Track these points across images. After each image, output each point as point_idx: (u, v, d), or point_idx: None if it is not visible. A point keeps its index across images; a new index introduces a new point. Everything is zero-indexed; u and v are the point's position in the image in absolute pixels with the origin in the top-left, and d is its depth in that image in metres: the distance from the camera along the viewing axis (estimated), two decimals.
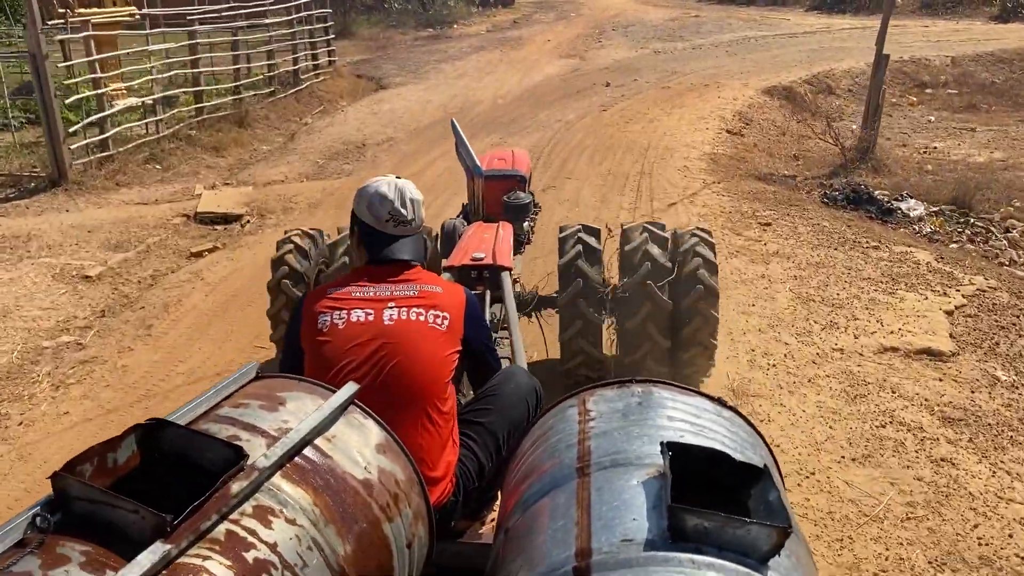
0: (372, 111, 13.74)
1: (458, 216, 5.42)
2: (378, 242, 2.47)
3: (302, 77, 14.91)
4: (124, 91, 11.29)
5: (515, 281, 4.43)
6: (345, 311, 2.34)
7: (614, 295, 4.22)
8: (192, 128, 11.51)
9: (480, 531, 2.48)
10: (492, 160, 5.51)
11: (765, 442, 1.83)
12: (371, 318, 2.32)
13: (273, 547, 1.41)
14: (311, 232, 4.74)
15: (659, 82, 15.39)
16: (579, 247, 4.20)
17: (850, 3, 26.19)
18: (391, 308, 2.34)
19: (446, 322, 2.37)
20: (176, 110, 11.55)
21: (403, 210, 2.47)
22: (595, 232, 4.34)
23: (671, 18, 25.94)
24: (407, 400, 2.28)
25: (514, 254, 4.82)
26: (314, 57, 15.89)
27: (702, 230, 4.35)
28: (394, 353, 2.28)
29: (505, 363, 3.39)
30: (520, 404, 2.53)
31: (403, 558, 1.74)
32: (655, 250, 4.13)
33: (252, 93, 13.54)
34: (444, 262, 4.07)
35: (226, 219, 8.28)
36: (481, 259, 3.95)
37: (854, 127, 11.23)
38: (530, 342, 4.70)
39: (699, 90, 14.43)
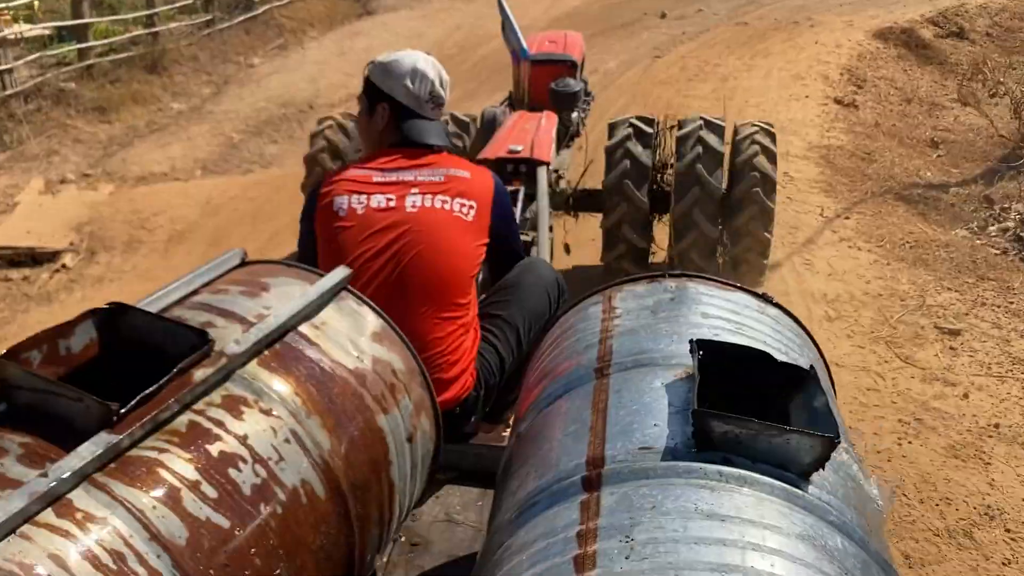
0: (341, 49, 10.28)
1: (502, 104, 5.11)
2: (413, 124, 2.27)
3: None
4: (7, 15, 8.36)
5: (559, 176, 4.19)
6: (366, 195, 2.16)
7: (663, 181, 4.00)
8: (71, 78, 7.99)
9: (503, 433, 2.35)
10: (542, 43, 5.12)
11: (815, 344, 1.62)
12: (392, 204, 2.14)
13: (243, 439, 1.26)
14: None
15: (732, 14, 11.48)
16: (630, 130, 3.95)
17: None
18: (414, 194, 2.16)
19: (472, 211, 2.19)
20: (41, 53, 8.18)
21: (442, 90, 2.29)
22: (649, 121, 4.10)
23: None
24: (427, 293, 2.12)
25: (561, 147, 4.55)
26: None
27: (763, 123, 4.11)
28: (415, 242, 2.12)
29: None
30: (541, 296, 2.36)
31: (402, 452, 1.58)
32: (710, 137, 3.89)
33: (176, 25, 9.88)
34: (479, 154, 3.82)
35: (34, 258, 5.16)
36: (518, 152, 3.68)
37: (1004, 91, 7.42)
38: (575, 244, 4.42)
39: (787, 30, 10.50)
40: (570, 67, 4.87)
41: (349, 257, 2.10)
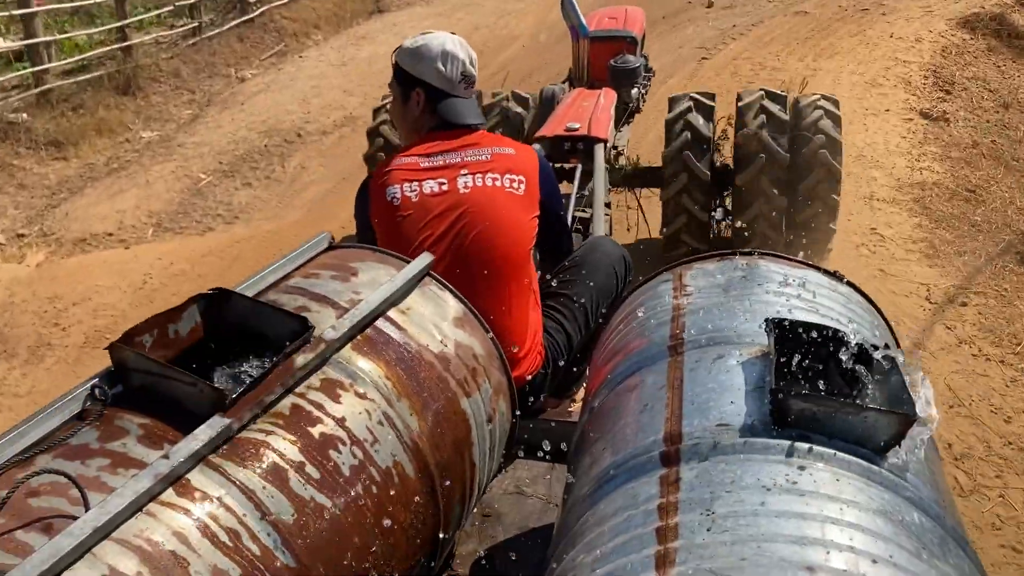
0: (342, 59, 8.90)
1: (562, 82, 5.12)
2: (449, 106, 2.30)
3: None
4: None
5: (619, 153, 4.20)
6: (417, 183, 2.21)
7: (724, 155, 4.00)
8: (23, 107, 6.61)
9: (570, 408, 2.40)
10: (601, 19, 5.12)
11: (887, 323, 1.63)
12: (445, 187, 2.19)
13: (341, 421, 1.34)
14: None
15: (789, 1, 9.91)
16: (690, 103, 3.96)
17: None
18: (465, 175, 2.21)
19: (523, 186, 2.23)
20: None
21: (472, 69, 2.32)
22: (709, 95, 4.10)
23: None
24: (491, 272, 2.17)
25: (623, 124, 4.57)
26: None
27: (825, 96, 4.05)
28: (474, 223, 2.17)
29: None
30: (608, 273, 2.39)
31: (483, 433, 1.66)
32: (772, 106, 3.87)
33: (155, 35, 8.34)
34: (538, 131, 3.86)
35: None
36: (575, 130, 3.70)
37: None
38: (636, 222, 4.41)
39: (856, 20, 9.07)
40: (630, 43, 4.84)
41: (412, 244, 2.15)
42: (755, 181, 3.83)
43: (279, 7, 9.80)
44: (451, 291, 1.67)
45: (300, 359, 1.33)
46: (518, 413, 1.81)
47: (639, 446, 1.23)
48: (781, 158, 3.78)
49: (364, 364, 1.44)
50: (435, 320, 1.60)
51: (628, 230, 4.55)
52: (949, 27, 8.49)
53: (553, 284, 2.43)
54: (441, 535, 1.54)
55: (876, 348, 1.28)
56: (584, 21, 4.83)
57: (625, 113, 4.63)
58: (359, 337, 1.46)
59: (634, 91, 4.67)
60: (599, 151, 3.61)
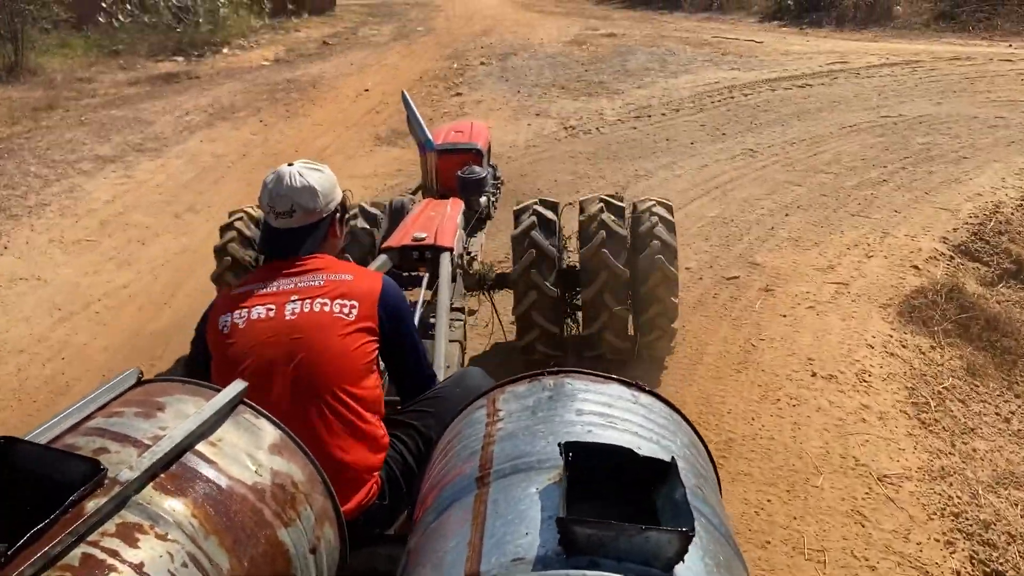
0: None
1: (411, 193, 5.24)
2: (273, 237, 2.36)
3: None
4: None
5: (473, 259, 4.30)
6: (246, 310, 2.20)
7: (569, 267, 4.14)
8: None
9: None
10: (448, 133, 5.35)
11: (691, 425, 1.72)
12: (272, 314, 2.19)
13: (139, 568, 1.29)
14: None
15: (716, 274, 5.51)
16: (534, 218, 4.07)
17: (827, 11, 17.02)
18: (294, 302, 2.21)
19: (355, 311, 2.22)
20: None
21: (278, 200, 2.34)
22: (552, 206, 4.21)
23: (573, 38, 15.47)
24: (318, 397, 2.13)
25: (476, 231, 4.73)
26: None
27: (660, 202, 4.24)
28: (299, 348, 2.14)
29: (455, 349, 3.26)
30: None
31: (305, 564, 1.63)
32: (611, 218, 4.02)
33: None
34: (384, 243, 3.91)
35: None
36: (422, 239, 3.79)
37: None
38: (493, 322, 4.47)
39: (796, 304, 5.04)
40: (475, 155, 5.07)
41: (237, 370, 2.11)
42: (598, 297, 3.98)
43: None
44: (267, 418, 1.66)
45: (91, 504, 1.28)
46: (347, 539, 1.78)
47: None
48: (620, 272, 3.94)
49: (167, 503, 1.40)
50: (249, 449, 1.58)
51: (486, 325, 4.62)
52: (891, 328, 4.77)
53: (404, 414, 2.40)
54: None
55: (662, 462, 1.35)
56: (430, 136, 5.02)
57: (476, 220, 4.78)
58: (162, 475, 1.43)
59: (483, 199, 4.84)
60: (445, 259, 3.68)
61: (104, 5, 14.82)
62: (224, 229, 4.37)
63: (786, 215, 6.54)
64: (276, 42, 16.11)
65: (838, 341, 4.66)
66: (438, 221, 4.00)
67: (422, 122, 5.02)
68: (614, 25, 17.47)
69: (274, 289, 2.24)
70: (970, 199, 6.70)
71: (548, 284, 3.96)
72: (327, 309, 2.20)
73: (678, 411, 1.69)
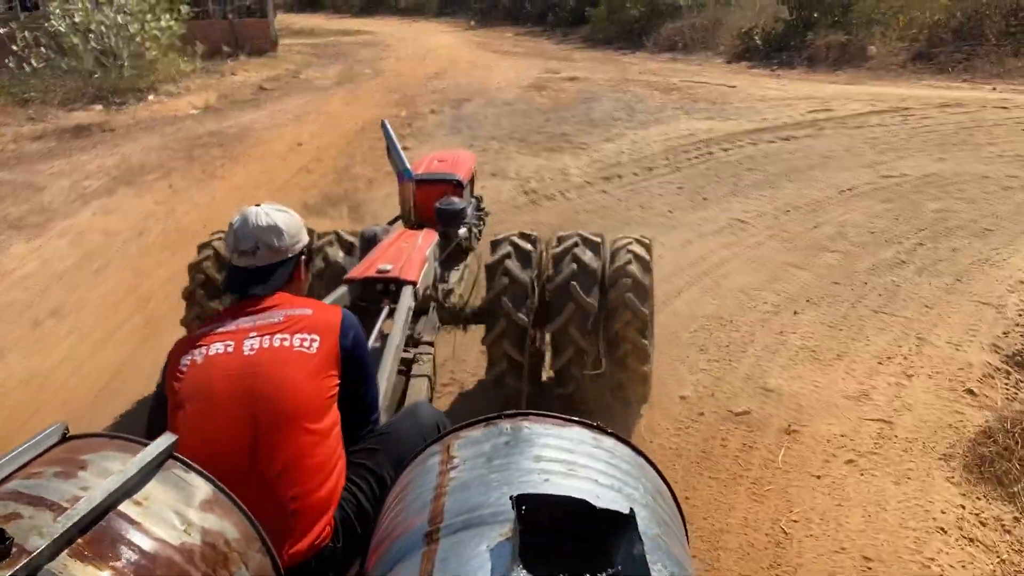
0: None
1: (388, 223, 5.11)
2: (235, 277, 2.33)
3: None
4: None
5: (450, 291, 4.21)
6: (205, 347, 2.14)
7: (541, 299, 4.03)
8: None
9: None
10: (431, 162, 5.24)
11: (656, 468, 1.60)
12: (231, 350, 2.12)
13: None
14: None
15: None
16: (510, 248, 4.01)
17: (798, 51, 16.21)
18: (252, 338, 2.15)
19: (315, 344, 2.16)
20: None
21: (243, 239, 2.32)
22: (531, 239, 4.14)
23: (533, 82, 14.34)
24: (277, 431, 2.05)
25: (456, 264, 4.63)
26: None
27: (637, 240, 4.16)
28: (258, 383, 2.07)
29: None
30: (415, 443, 2.26)
31: None
32: (585, 254, 3.96)
33: None
34: (348, 274, 3.78)
35: None
36: (387, 271, 3.66)
37: None
38: (469, 357, 4.27)
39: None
40: (455, 186, 4.94)
41: (192, 408, 2.06)
42: (564, 330, 3.88)
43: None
44: (198, 472, 1.55)
45: None
46: None
47: None
48: (587, 306, 3.85)
49: (84, 571, 1.28)
50: (178, 507, 1.46)
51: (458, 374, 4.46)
52: (961, 494, 3.60)
53: (354, 454, 2.31)
54: None
55: (620, 514, 1.25)
56: (408, 165, 4.93)
57: (455, 252, 4.68)
58: (80, 540, 1.31)
59: (462, 231, 4.71)
60: (405, 292, 3.56)
61: (15, 48, 13.56)
62: (202, 247, 4.32)
63: (795, 313, 5.36)
64: (209, 87, 14.69)
65: (899, 523, 3.37)
66: (407, 253, 3.89)
67: (400, 151, 4.93)
68: (576, 67, 16.42)
69: (232, 328, 2.18)
70: (1013, 289, 5.50)
71: (519, 314, 3.86)
72: (287, 344, 2.14)
73: (643, 454, 1.59)
